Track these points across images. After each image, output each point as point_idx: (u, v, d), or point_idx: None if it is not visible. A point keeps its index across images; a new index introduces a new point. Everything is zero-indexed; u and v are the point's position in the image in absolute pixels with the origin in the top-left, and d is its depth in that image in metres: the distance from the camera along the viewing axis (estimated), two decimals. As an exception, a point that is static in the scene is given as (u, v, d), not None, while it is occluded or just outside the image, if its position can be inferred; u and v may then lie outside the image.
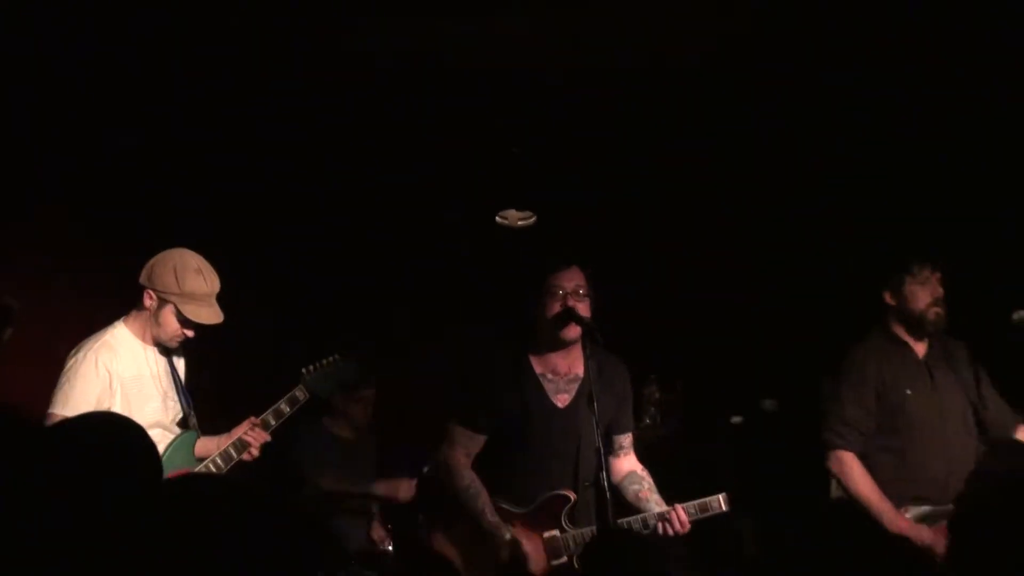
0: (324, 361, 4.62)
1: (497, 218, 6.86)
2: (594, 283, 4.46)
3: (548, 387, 4.48)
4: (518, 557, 4.31)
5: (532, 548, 4.36)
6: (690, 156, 6.15)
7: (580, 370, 4.49)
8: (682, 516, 4.27)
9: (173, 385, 4.44)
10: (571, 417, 4.44)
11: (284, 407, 4.48)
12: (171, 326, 4.29)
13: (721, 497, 4.30)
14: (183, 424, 4.42)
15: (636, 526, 4.32)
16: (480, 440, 4.49)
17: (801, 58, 5.36)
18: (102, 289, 5.48)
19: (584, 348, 4.41)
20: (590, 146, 6.16)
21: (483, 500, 4.40)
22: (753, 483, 4.88)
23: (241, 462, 4.39)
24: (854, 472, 4.64)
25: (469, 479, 4.43)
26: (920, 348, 4.82)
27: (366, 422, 6.16)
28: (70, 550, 1.66)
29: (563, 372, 4.50)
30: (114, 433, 1.95)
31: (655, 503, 4.41)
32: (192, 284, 4.26)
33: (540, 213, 6.80)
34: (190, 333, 4.33)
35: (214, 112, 5.69)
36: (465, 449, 4.47)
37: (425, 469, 5.87)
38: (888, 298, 4.80)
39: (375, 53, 5.33)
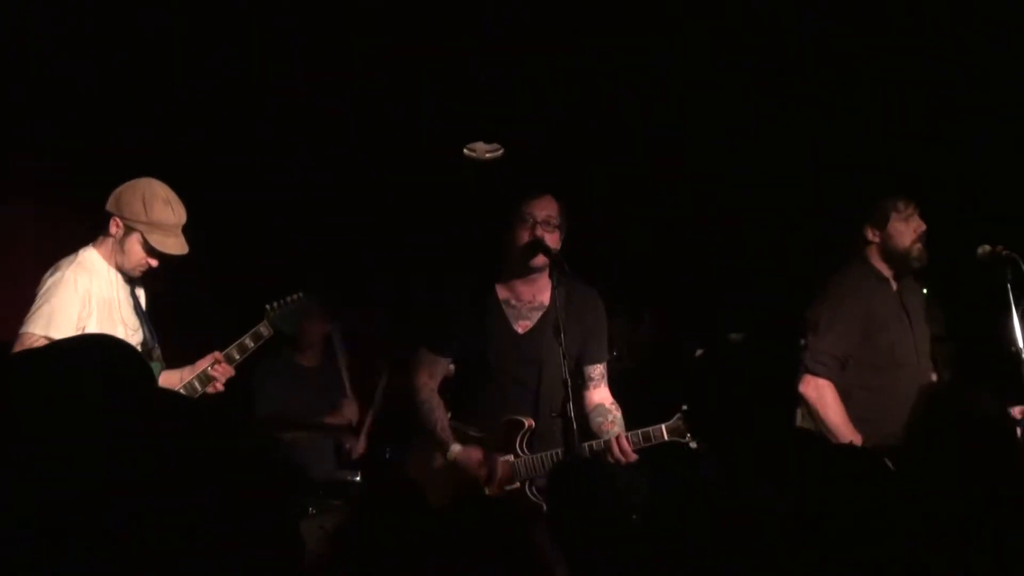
0: (288, 298, 4.60)
1: (465, 151, 6.82)
2: (567, 214, 4.45)
3: (510, 313, 4.49)
4: (459, 474, 4.36)
5: (486, 470, 4.38)
6: (664, 79, 6.12)
7: (545, 299, 4.49)
8: (624, 445, 4.26)
9: (136, 314, 4.41)
10: (531, 344, 4.44)
11: (248, 342, 4.46)
12: (136, 255, 4.26)
13: (664, 427, 4.26)
14: (147, 355, 4.40)
15: (585, 450, 4.31)
16: (443, 363, 4.56)
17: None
18: (69, 216, 5.45)
19: (552, 278, 4.40)
20: (562, 74, 6.11)
21: (436, 416, 4.47)
22: (717, 414, 4.90)
23: (205, 395, 4.38)
24: (828, 400, 4.66)
25: (426, 396, 4.49)
26: (895, 284, 4.84)
27: (321, 336, 6.18)
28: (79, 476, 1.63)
29: (527, 300, 4.50)
30: (114, 354, 1.89)
31: (615, 435, 4.39)
32: (159, 214, 4.23)
33: (511, 143, 6.76)
34: (154, 263, 4.29)
35: (180, 43, 5.62)
36: (429, 371, 4.53)
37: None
38: (870, 234, 4.79)
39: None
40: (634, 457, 4.25)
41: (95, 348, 1.84)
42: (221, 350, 4.42)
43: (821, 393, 4.68)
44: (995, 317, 4.62)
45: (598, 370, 4.59)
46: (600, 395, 4.57)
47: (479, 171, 6.76)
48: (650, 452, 4.29)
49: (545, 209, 4.39)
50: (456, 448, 4.43)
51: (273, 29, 5.65)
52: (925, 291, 5.02)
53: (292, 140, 6.48)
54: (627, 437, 4.27)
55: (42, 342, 4.03)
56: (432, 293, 4.83)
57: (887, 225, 4.76)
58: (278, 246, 6.67)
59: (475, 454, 4.41)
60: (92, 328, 4.17)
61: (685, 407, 4.27)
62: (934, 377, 4.95)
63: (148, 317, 4.46)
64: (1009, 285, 4.58)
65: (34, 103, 5.65)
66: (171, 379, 4.40)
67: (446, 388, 4.69)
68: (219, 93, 6.04)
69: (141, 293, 4.49)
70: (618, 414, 4.51)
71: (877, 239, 4.79)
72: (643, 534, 2.82)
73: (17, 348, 4.09)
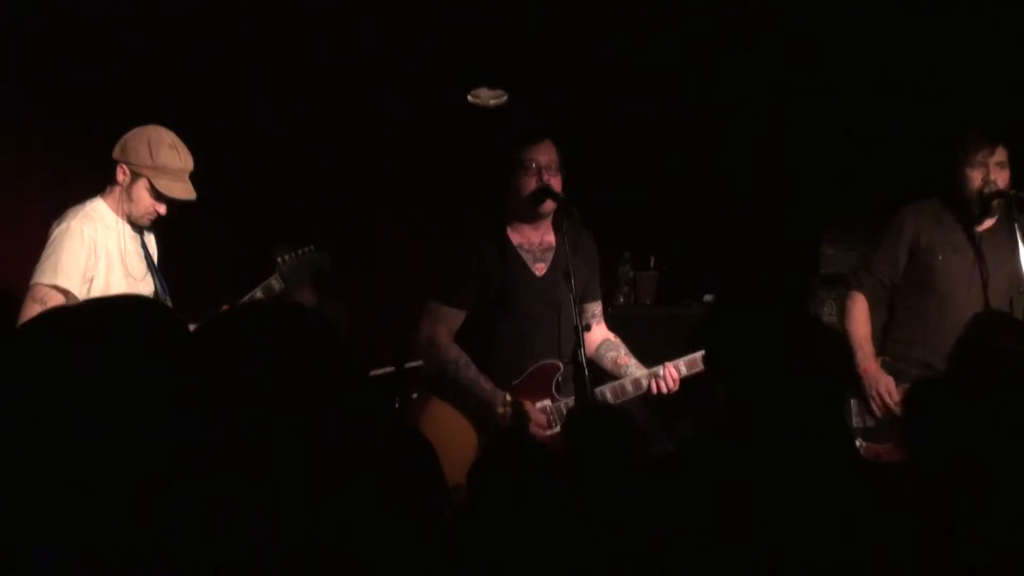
0: (300, 251, 4.59)
1: (469, 97, 6.78)
2: (564, 156, 4.44)
3: (526, 256, 4.48)
4: (523, 415, 4.28)
5: (544, 419, 4.37)
6: (673, 19, 6.07)
7: (552, 240, 4.51)
8: (673, 373, 4.36)
9: (146, 266, 4.40)
10: (549, 286, 4.45)
11: (259, 295, 4.46)
12: (144, 201, 4.25)
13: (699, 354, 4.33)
14: None
15: (629, 388, 4.40)
16: (461, 316, 4.44)
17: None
18: (77, 167, 5.41)
19: (556, 222, 4.43)
20: (563, 19, 6.06)
21: (475, 370, 4.36)
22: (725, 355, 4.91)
23: None
24: (855, 311, 4.87)
25: (456, 352, 4.38)
26: (986, 221, 4.79)
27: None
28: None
29: (536, 243, 4.50)
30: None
31: (635, 366, 4.50)
32: (165, 158, 4.22)
33: (511, 88, 6.71)
34: (162, 209, 4.28)
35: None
36: (448, 326, 4.42)
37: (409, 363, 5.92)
38: (948, 175, 4.79)
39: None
40: (678, 385, 4.37)
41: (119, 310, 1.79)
42: (232, 303, 4.40)
43: (849, 304, 4.92)
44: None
45: (598, 307, 4.71)
46: (602, 331, 4.68)
47: (482, 116, 6.71)
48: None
49: (547, 154, 4.39)
50: (508, 397, 4.32)
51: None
52: None
53: (296, 90, 6.43)
54: (675, 366, 4.35)
55: (52, 292, 4.08)
56: (436, 242, 4.77)
57: (965, 168, 4.71)
58: (286, 197, 6.65)
59: (529, 407, 4.34)
60: (100, 278, 4.18)
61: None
62: None
63: (159, 268, 4.45)
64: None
65: (42, 53, 5.59)
66: None
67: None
68: (229, 47, 5.99)
69: (152, 244, 4.48)
70: (623, 345, 4.62)
71: (954, 181, 4.77)
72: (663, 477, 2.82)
73: (28, 300, 4.11)
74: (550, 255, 4.50)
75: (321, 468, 1.58)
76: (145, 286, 4.36)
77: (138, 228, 4.36)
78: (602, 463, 3.12)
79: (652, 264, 6.94)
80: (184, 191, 4.27)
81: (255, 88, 6.32)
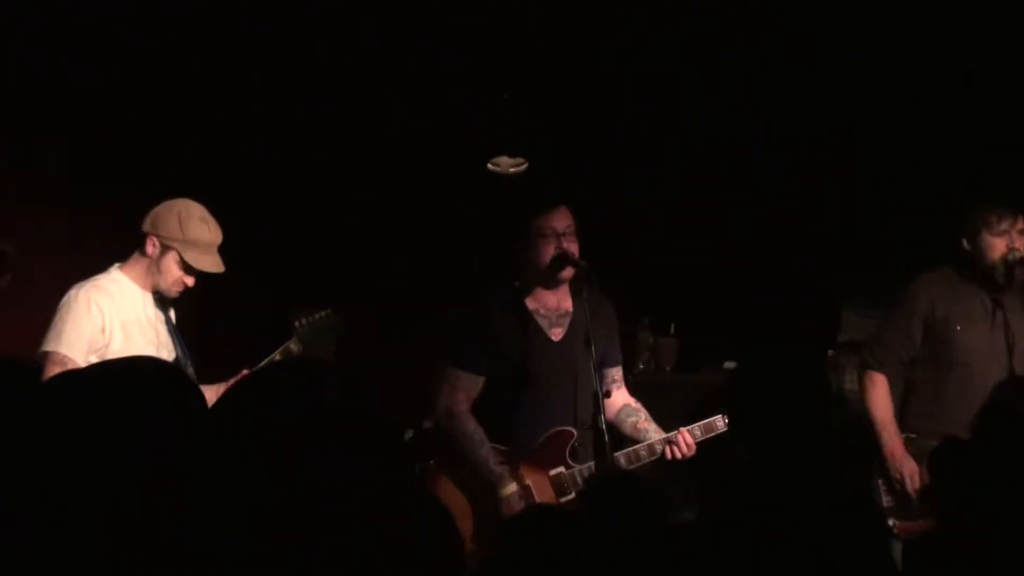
0: (317, 315, 4.60)
1: (489, 165, 6.80)
2: (579, 221, 4.47)
3: (542, 322, 4.50)
4: (529, 502, 4.29)
5: (539, 488, 4.37)
6: (693, 88, 6.09)
7: (569, 306, 4.52)
8: (688, 438, 4.34)
9: (168, 333, 4.41)
10: (566, 351, 4.46)
11: (278, 358, 4.46)
12: (172, 273, 4.27)
13: (721, 416, 4.37)
14: None
15: (643, 454, 4.38)
16: (479, 383, 4.47)
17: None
18: (97, 237, 5.45)
19: (574, 287, 4.45)
20: (580, 86, 6.10)
21: (487, 448, 4.39)
22: (749, 419, 4.92)
23: None
24: (877, 392, 4.79)
25: (474, 426, 4.41)
26: (990, 288, 4.76)
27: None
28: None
29: (554, 308, 4.52)
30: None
31: (654, 431, 4.46)
32: (196, 232, 4.26)
33: (528, 155, 6.74)
34: (190, 282, 4.30)
35: (212, 62, 5.64)
36: (466, 393, 4.45)
37: (425, 424, 5.89)
38: (964, 244, 4.74)
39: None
40: (694, 450, 4.33)
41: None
42: (251, 367, 4.40)
43: (865, 382, 4.85)
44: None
45: (619, 372, 4.68)
46: (622, 396, 4.64)
47: (502, 186, 6.73)
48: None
49: (564, 220, 4.42)
50: (512, 489, 4.34)
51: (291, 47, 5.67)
52: None
53: (315, 156, 6.47)
54: (689, 431, 4.32)
55: (55, 361, 4.08)
56: (458, 312, 4.77)
57: (978, 239, 4.70)
58: (304, 264, 6.66)
59: (521, 503, 4.33)
60: (116, 349, 4.17)
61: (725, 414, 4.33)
62: None
63: (180, 336, 4.46)
64: None
65: (64, 117, 5.66)
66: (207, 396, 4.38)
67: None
68: (249, 112, 6.06)
69: (172, 311, 4.50)
70: (646, 411, 4.58)
71: (969, 249, 4.74)
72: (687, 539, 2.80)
73: (46, 369, 4.07)
74: (567, 320, 4.51)
75: (342, 531, 1.56)
76: (167, 353, 4.37)
77: (161, 298, 4.38)
78: (620, 529, 3.09)
79: (672, 331, 6.91)
80: (213, 264, 4.31)
81: (277, 153, 6.37)
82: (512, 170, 6.79)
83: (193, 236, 4.25)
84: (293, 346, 4.50)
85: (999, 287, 4.73)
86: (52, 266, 5.34)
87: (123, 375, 1.72)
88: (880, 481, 4.69)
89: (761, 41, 5.77)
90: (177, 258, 4.25)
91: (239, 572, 1.50)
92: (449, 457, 4.48)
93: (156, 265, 4.28)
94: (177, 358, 4.40)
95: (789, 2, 5.62)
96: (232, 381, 4.37)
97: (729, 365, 6.65)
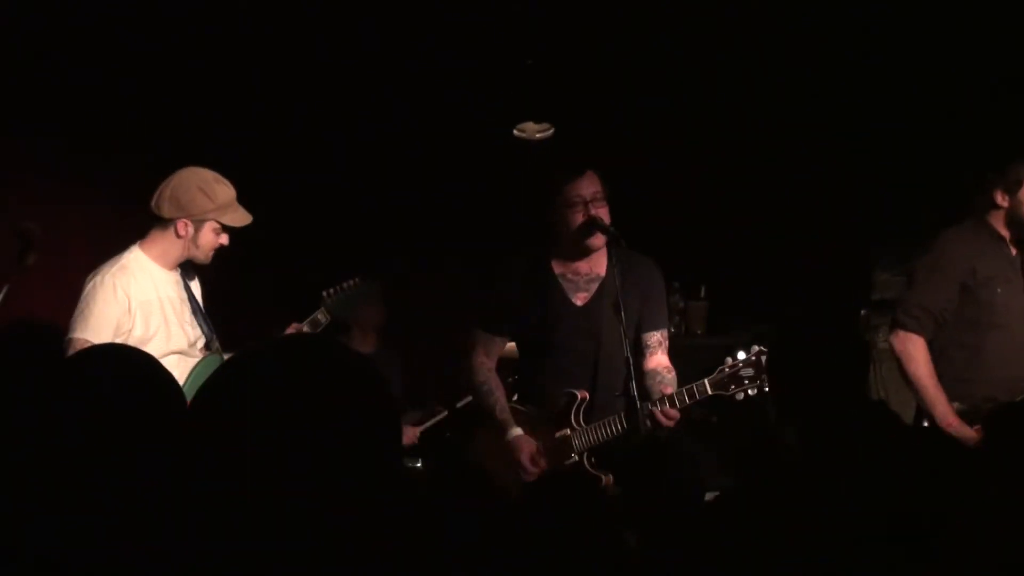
0: (345, 284, 4.62)
1: (515, 131, 6.76)
2: (608, 185, 4.41)
3: (567, 286, 4.48)
4: (514, 457, 4.36)
5: (544, 447, 4.40)
6: (720, 51, 6.03)
7: (602, 270, 4.47)
8: (667, 411, 4.22)
9: (191, 309, 4.41)
10: (589, 316, 4.44)
11: (306, 329, 4.47)
12: (210, 241, 4.30)
13: (707, 381, 4.27)
14: (207, 348, 4.41)
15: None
16: (499, 343, 4.59)
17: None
18: (113, 214, 5.52)
19: (609, 252, 4.39)
20: (607, 53, 6.05)
21: (495, 398, 4.49)
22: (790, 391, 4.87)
23: None
24: (919, 356, 4.57)
25: (484, 377, 4.53)
26: (1014, 248, 4.70)
27: (381, 323, 6.17)
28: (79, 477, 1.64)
29: (584, 272, 4.49)
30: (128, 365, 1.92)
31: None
32: (222, 195, 4.28)
33: (555, 120, 6.70)
34: (225, 240, 4.33)
35: (227, 36, 5.63)
36: (485, 350, 4.56)
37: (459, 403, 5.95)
38: (999, 198, 4.62)
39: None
40: (677, 416, 4.24)
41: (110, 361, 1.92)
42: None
43: (908, 347, 4.59)
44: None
45: (655, 337, 4.53)
46: (656, 361, 4.51)
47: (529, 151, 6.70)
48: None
49: (592, 186, 4.36)
50: (515, 433, 4.43)
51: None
52: None
53: (337, 123, 6.46)
54: (668, 399, 4.23)
55: (83, 346, 4.07)
56: (484, 273, 4.79)
57: (1019, 192, 4.60)
58: (330, 232, 6.67)
59: (527, 447, 4.39)
60: (138, 330, 4.21)
61: (757, 347, 4.26)
62: None
63: (203, 310, 4.46)
64: None
65: (78, 106, 5.68)
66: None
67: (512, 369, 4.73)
68: (266, 85, 6.07)
69: (196, 287, 4.50)
70: (670, 376, 4.45)
71: (1006, 204, 4.63)
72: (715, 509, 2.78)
73: (69, 353, 4.10)
74: (595, 285, 4.47)
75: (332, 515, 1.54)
76: (191, 330, 4.39)
77: (183, 273, 4.39)
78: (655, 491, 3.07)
79: (702, 294, 6.87)
80: (247, 217, 4.35)
81: (297, 122, 6.36)
82: (539, 135, 6.76)
83: (222, 200, 4.27)
84: (321, 316, 4.52)
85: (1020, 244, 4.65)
86: (67, 245, 5.38)
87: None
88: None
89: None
90: (215, 226, 4.28)
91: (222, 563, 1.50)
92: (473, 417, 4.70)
93: (192, 242, 4.29)
94: (202, 332, 4.41)
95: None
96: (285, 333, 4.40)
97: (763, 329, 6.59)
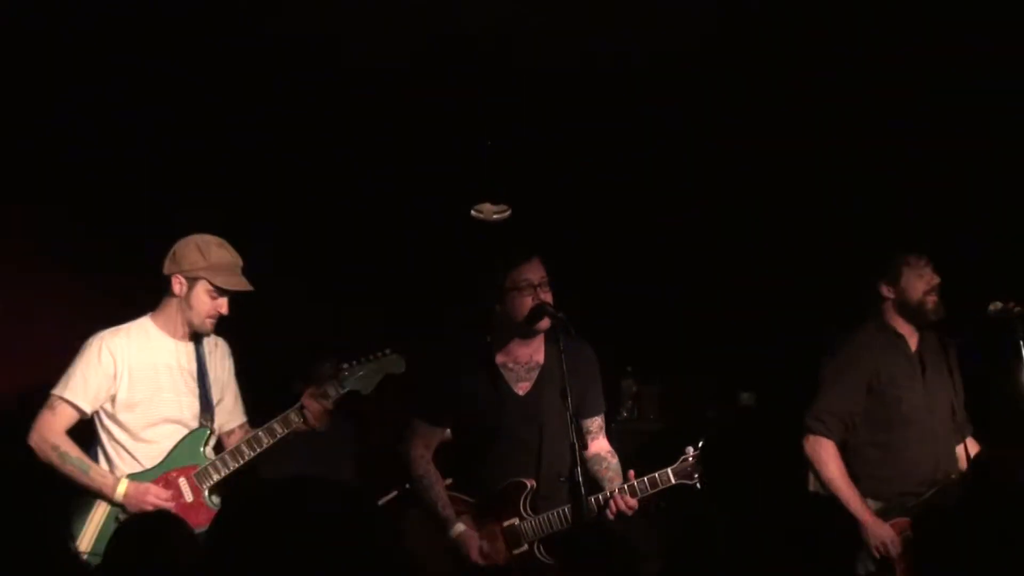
0: (371, 355, 4.54)
1: (472, 212, 6.77)
2: (557, 270, 4.46)
3: (508, 376, 4.48)
4: (462, 553, 4.33)
5: (491, 538, 4.37)
6: (667, 140, 6.09)
7: (541, 358, 4.50)
8: (626, 500, 4.20)
9: (197, 382, 4.43)
10: (531, 405, 4.44)
11: (276, 426, 4.43)
12: (204, 304, 4.33)
13: (671, 470, 4.25)
14: (196, 417, 4.43)
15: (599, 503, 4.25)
16: (438, 432, 4.57)
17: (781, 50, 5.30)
18: (101, 289, 5.49)
19: (550, 337, 4.41)
20: (561, 137, 6.09)
21: (435, 492, 4.45)
22: (730, 478, 4.86)
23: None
24: (829, 459, 4.66)
25: (423, 470, 4.49)
26: (913, 341, 4.82)
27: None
28: None
29: (524, 361, 4.50)
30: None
31: (609, 482, 4.39)
32: (217, 256, 4.33)
33: (510, 203, 6.71)
34: (223, 308, 4.35)
35: (224, 103, 5.64)
36: (424, 441, 4.53)
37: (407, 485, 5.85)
38: (885, 291, 4.78)
39: (347, 41, 5.24)
40: (635, 505, 4.21)
41: None
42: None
43: (818, 451, 4.68)
44: (1007, 373, 4.58)
45: (596, 422, 4.60)
46: (597, 445, 4.57)
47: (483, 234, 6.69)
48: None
49: (539, 271, 4.40)
50: (460, 528, 4.39)
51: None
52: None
53: (299, 200, 6.43)
54: (627, 489, 4.22)
55: (61, 403, 4.27)
56: (425, 364, 4.72)
57: (900, 280, 4.75)
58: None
59: (474, 543, 4.36)
60: (122, 394, 4.29)
61: (700, 443, 4.26)
62: (963, 433, 4.87)
63: (209, 385, 4.46)
64: (1022, 342, 4.55)
65: (66, 176, 5.65)
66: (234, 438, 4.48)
67: (445, 453, 4.66)
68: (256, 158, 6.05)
69: (218, 362, 4.51)
70: (614, 461, 4.50)
71: (892, 295, 4.78)
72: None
73: (45, 407, 4.28)
74: (535, 374, 4.49)
75: None
76: (188, 404, 4.41)
77: (197, 341, 4.41)
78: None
79: (656, 380, 6.88)
80: (242, 284, 4.35)
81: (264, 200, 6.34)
82: (495, 216, 6.77)
83: (215, 260, 4.31)
84: (331, 390, 4.43)
85: (928, 322, 4.76)
86: (51, 320, 5.34)
87: None
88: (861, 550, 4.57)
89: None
90: (207, 286, 4.31)
91: None
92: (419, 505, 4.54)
93: (186, 302, 4.34)
94: (200, 407, 4.42)
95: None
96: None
97: (747, 396, 6.62)
